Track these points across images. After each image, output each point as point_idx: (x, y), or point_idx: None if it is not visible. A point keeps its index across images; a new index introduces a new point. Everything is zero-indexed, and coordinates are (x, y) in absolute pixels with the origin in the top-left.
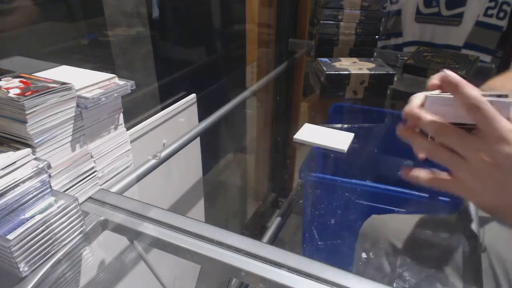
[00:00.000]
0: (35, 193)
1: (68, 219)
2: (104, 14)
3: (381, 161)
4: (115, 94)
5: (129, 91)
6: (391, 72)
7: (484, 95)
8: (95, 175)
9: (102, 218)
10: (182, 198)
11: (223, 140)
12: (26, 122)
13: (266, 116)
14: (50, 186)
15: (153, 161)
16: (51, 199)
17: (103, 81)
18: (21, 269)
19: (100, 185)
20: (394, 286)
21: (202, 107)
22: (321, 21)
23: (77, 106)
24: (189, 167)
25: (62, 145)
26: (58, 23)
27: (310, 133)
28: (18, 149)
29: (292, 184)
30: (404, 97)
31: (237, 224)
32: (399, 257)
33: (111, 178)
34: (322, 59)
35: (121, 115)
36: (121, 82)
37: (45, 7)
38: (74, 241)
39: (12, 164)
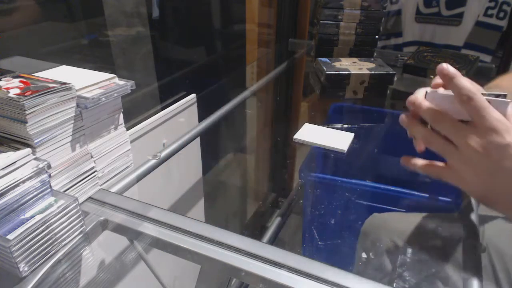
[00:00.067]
0: (35, 193)
1: (68, 219)
2: (104, 14)
3: (381, 161)
4: (115, 94)
5: (129, 91)
6: (391, 72)
7: (483, 94)
8: (95, 175)
9: (102, 218)
10: (182, 198)
11: (223, 140)
12: (26, 122)
13: (266, 116)
14: (50, 186)
15: (153, 161)
16: (51, 199)
17: (103, 81)
18: (21, 269)
19: (100, 185)
20: (394, 286)
21: (202, 107)
22: (321, 21)
23: (77, 106)
24: (189, 167)
25: (62, 145)
26: (58, 23)
27: (310, 133)
28: (18, 149)
29: (292, 184)
30: (404, 97)
31: (237, 224)
32: (400, 255)
33: (111, 178)
34: (322, 59)
35: (121, 115)
36: (121, 82)
37: (45, 7)
38: (74, 241)
39: (12, 164)
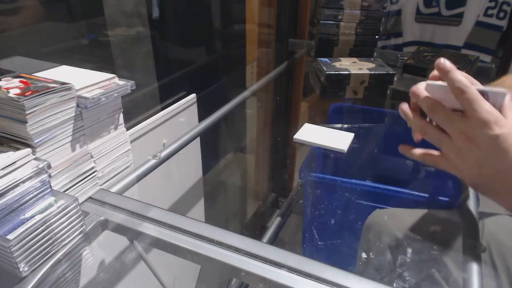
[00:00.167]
0: (35, 193)
1: (68, 219)
2: (104, 14)
3: (381, 161)
4: (115, 94)
5: (129, 91)
6: (391, 72)
7: (479, 89)
8: (95, 175)
9: (102, 218)
10: (182, 198)
11: (223, 140)
12: (26, 122)
13: (266, 116)
14: (50, 186)
15: (153, 161)
16: (51, 199)
17: (103, 81)
18: (21, 269)
19: (100, 185)
20: (395, 286)
21: (202, 107)
22: (321, 21)
23: (77, 106)
24: (189, 167)
25: (62, 145)
26: (58, 23)
27: (310, 133)
28: (18, 149)
29: (292, 184)
30: (404, 97)
31: (237, 224)
32: (400, 254)
33: (111, 178)
34: (322, 59)
35: (121, 115)
36: (121, 82)
37: (45, 7)
38: (74, 241)
39: (12, 164)
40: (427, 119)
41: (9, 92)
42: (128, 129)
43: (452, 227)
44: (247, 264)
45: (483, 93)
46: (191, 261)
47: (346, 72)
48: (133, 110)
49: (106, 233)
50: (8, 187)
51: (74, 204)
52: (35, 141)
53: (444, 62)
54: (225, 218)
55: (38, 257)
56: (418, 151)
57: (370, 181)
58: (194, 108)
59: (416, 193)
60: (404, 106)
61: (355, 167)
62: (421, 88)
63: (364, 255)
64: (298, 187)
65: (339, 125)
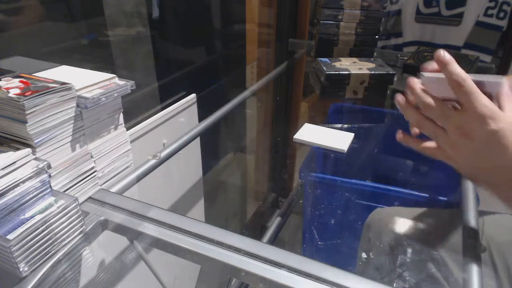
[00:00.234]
0: (35, 193)
1: (68, 219)
2: (104, 14)
3: (381, 161)
4: (115, 94)
5: (129, 91)
6: (391, 72)
7: (475, 79)
8: (95, 175)
9: (102, 218)
10: (182, 198)
11: (223, 140)
12: (26, 122)
13: (266, 116)
14: (50, 186)
15: (153, 161)
16: (51, 199)
17: (103, 81)
18: (21, 269)
19: (100, 185)
20: (395, 286)
21: (202, 107)
22: (321, 21)
23: (77, 106)
24: (189, 167)
25: (62, 145)
26: (58, 23)
27: (310, 133)
28: (18, 149)
29: (292, 184)
30: None
31: (237, 224)
32: (401, 249)
33: (111, 178)
34: (322, 59)
35: (121, 115)
36: (121, 82)
37: (45, 7)
38: (74, 241)
39: (12, 164)
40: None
41: (9, 92)
42: (128, 129)
43: (452, 227)
44: (247, 264)
45: (479, 83)
46: (191, 261)
47: (346, 72)
48: (133, 110)
49: (106, 233)
50: (8, 187)
51: (74, 204)
52: (35, 141)
53: (444, 54)
54: (225, 218)
55: (38, 257)
56: (415, 140)
57: (370, 181)
58: (194, 108)
59: (416, 193)
60: (400, 98)
61: (355, 167)
62: (415, 81)
63: (364, 255)
64: (298, 187)
65: (339, 125)
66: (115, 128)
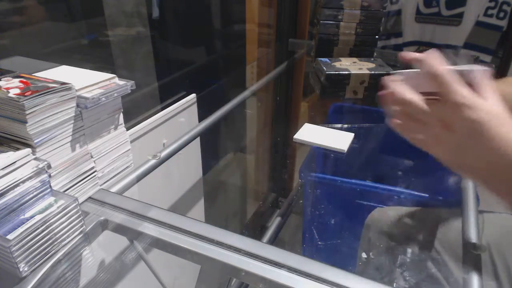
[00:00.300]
0: (35, 193)
1: (68, 219)
2: (104, 14)
3: (381, 161)
4: (115, 94)
5: (129, 91)
6: (391, 72)
7: (454, 68)
8: (95, 175)
9: (102, 218)
10: (182, 198)
11: (223, 140)
12: (26, 122)
13: (266, 116)
14: (50, 186)
15: (153, 161)
16: (51, 199)
17: (103, 81)
18: (21, 269)
19: (100, 185)
20: (394, 286)
21: (202, 107)
22: (321, 21)
23: (77, 106)
24: (189, 167)
25: (62, 145)
26: (58, 23)
27: (310, 133)
28: (18, 149)
29: (292, 184)
30: None
31: (237, 224)
32: (401, 249)
33: (111, 178)
34: (322, 59)
35: (121, 115)
36: (121, 82)
37: (45, 7)
38: (74, 241)
39: (12, 164)
40: None
41: (9, 92)
42: (128, 129)
43: (452, 227)
44: (247, 264)
45: (460, 73)
46: (191, 261)
47: (346, 72)
48: (133, 110)
49: (106, 233)
50: (8, 187)
51: (74, 204)
52: (35, 141)
53: (414, 54)
54: (225, 218)
55: (38, 257)
56: (406, 131)
57: (370, 181)
58: (194, 108)
59: (416, 193)
60: (382, 94)
61: (355, 167)
62: (393, 79)
63: (364, 255)
64: (298, 187)
65: (339, 125)
66: (115, 128)
